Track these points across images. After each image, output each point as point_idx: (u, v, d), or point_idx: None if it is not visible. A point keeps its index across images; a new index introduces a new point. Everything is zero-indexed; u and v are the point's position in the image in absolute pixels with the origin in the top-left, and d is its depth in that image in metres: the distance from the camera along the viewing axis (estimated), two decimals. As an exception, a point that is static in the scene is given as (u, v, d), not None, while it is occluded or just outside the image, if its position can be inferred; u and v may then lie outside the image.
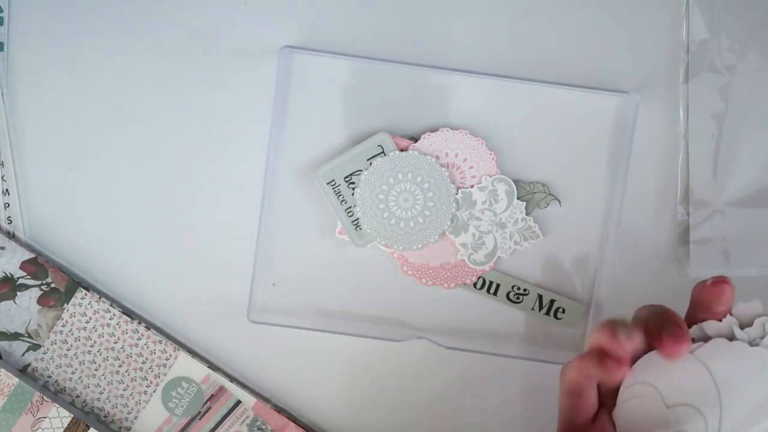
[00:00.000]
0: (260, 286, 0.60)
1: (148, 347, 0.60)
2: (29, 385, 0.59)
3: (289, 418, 0.61)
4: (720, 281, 0.47)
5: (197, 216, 0.61)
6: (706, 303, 0.47)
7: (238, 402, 0.61)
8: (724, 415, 0.45)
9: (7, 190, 0.60)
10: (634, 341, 0.46)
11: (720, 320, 0.47)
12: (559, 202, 0.60)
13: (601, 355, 0.46)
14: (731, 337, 0.47)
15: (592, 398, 0.49)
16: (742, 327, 0.47)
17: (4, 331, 0.60)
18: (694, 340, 0.48)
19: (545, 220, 0.60)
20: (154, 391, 0.61)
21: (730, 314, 0.47)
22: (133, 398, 0.61)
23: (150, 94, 0.60)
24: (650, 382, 0.47)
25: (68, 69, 0.60)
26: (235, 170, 0.60)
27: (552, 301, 0.60)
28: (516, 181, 0.59)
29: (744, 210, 0.59)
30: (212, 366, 0.61)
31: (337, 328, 0.60)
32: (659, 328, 0.46)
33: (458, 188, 0.59)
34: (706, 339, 0.48)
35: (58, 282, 0.60)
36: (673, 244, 0.60)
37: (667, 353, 0.45)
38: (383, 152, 0.58)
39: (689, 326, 0.48)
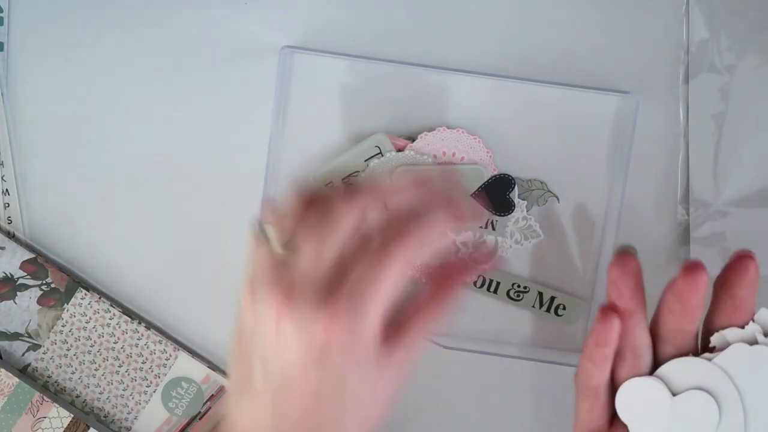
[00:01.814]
0: (260, 286, 0.60)
1: (148, 347, 0.61)
2: (29, 385, 0.59)
3: (288, 418, 0.61)
4: (744, 255, 0.43)
5: (197, 216, 0.60)
6: (729, 281, 0.44)
7: (238, 402, 0.61)
8: (749, 418, 0.44)
9: (7, 190, 0.60)
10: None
11: (743, 327, 0.46)
12: (558, 198, 0.59)
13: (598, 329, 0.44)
14: (753, 343, 0.45)
15: (605, 399, 0.47)
16: (766, 335, 0.45)
17: (4, 331, 0.60)
18: (716, 349, 0.46)
19: (546, 219, 0.60)
20: (154, 391, 0.61)
21: (752, 321, 0.46)
22: (133, 398, 0.61)
23: (150, 95, 0.60)
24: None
25: (68, 69, 0.60)
26: (235, 170, 0.60)
27: (552, 298, 0.60)
28: (515, 179, 0.59)
29: (744, 210, 0.59)
30: (212, 366, 0.61)
31: (337, 328, 0.60)
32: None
33: (458, 188, 0.59)
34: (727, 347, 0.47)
35: (58, 282, 0.60)
36: (673, 244, 0.60)
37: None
38: (380, 153, 0.58)
39: (710, 333, 0.46)
